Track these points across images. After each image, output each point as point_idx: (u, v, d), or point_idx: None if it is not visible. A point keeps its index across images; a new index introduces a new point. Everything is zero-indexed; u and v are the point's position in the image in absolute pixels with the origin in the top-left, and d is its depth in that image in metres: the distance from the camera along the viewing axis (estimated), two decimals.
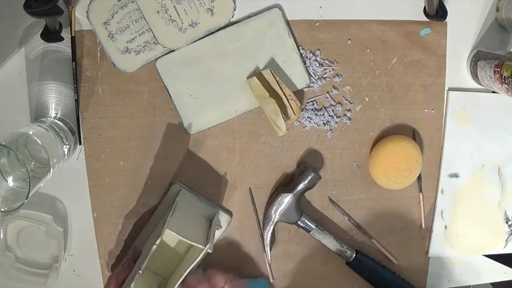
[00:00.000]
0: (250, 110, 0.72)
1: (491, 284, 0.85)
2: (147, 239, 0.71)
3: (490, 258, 0.79)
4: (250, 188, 0.74)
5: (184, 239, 0.62)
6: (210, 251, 0.63)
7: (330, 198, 0.75)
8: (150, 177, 0.73)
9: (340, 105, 0.73)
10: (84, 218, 0.73)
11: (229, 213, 0.74)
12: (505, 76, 0.64)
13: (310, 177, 0.70)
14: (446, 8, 0.69)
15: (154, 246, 0.61)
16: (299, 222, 0.72)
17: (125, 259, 0.70)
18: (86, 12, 0.67)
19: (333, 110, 0.73)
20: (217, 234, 0.73)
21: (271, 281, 0.76)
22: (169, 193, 0.72)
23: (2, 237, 0.72)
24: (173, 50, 0.69)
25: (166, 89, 0.70)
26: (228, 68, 0.70)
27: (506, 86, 0.64)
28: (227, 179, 0.74)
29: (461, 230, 0.78)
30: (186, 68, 0.70)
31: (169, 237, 0.70)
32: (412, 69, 0.73)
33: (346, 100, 0.73)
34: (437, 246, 0.77)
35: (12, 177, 0.63)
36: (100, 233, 0.73)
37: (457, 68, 0.74)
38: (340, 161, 0.75)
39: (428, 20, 0.72)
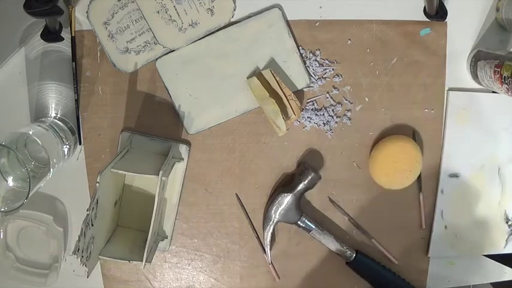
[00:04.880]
0: (250, 110, 0.72)
1: (491, 284, 0.85)
2: None
3: (490, 258, 0.79)
4: (236, 194, 0.74)
5: (130, 173, 0.62)
6: (164, 178, 0.62)
7: (330, 198, 0.75)
8: None
9: (340, 105, 0.73)
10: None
11: (187, 143, 0.72)
12: (505, 76, 0.64)
13: (310, 177, 0.70)
14: (446, 8, 0.69)
15: (97, 185, 0.59)
16: (299, 222, 0.72)
17: None
18: (86, 12, 0.67)
19: (333, 110, 0.73)
20: (181, 166, 0.72)
21: (277, 280, 0.76)
22: (120, 144, 0.71)
23: (2, 237, 0.72)
24: (173, 50, 0.69)
25: (166, 89, 0.70)
26: (228, 68, 0.70)
27: (506, 86, 0.64)
28: (227, 179, 0.74)
29: (461, 230, 0.78)
30: (186, 68, 0.70)
31: (137, 189, 0.70)
32: (412, 69, 0.73)
33: (346, 100, 0.73)
34: (437, 246, 0.77)
35: (12, 177, 0.63)
36: None
37: (457, 68, 0.74)
38: (340, 161, 0.75)
39: (428, 20, 0.72)
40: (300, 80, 0.72)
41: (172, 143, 0.72)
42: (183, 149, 0.72)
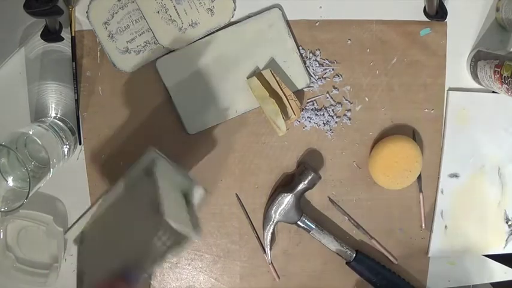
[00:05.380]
0: (250, 110, 0.72)
1: (491, 284, 0.85)
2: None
3: (490, 258, 0.79)
4: (236, 194, 0.74)
5: (177, 228, 0.53)
6: (198, 238, 0.55)
7: (330, 198, 0.75)
8: None
9: (340, 105, 0.73)
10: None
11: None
12: (505, 76, 0.64)
13: (310, 177, 0.70)
14: (446, 8, 0.69)
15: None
16: (299, 222, 0.72)
17: None
18: (86, 12, 0.67)
19: (333, 110, 0.73)
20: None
21: (277, 280, 0.76)
22: (140, 164, 0.60)
23: (2, 237, 0.72)
24: (173, 50, 0.69)
25: (166, 89, 0.70)
26: (228, 68, 0.70)
27: (506, 86, 0.64)
28: (227, 179, 0.74)
29: (461, 230, 0.78)
30: (186, 68, 0.70)
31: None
32: (412, 69, 0.73)
33: (346, 100, 0.73)
34: (437, 246, 0.77)
35: (12, 177, 0.63)
36: None
37: (457, 68, 0.74)
38: (340, 161, 0.75)
39: (428, 20, 0.72)
40: (300, 80, 0.72)
41: (194, 183, 0.63)
42: (198, 192, 0.63)
